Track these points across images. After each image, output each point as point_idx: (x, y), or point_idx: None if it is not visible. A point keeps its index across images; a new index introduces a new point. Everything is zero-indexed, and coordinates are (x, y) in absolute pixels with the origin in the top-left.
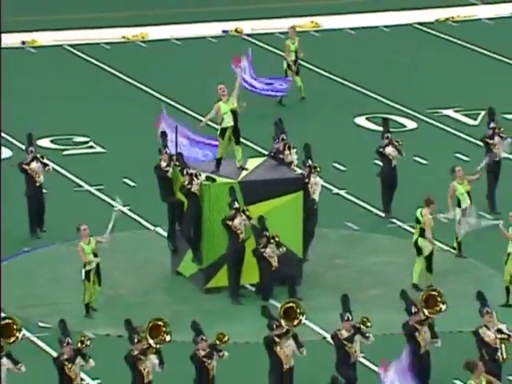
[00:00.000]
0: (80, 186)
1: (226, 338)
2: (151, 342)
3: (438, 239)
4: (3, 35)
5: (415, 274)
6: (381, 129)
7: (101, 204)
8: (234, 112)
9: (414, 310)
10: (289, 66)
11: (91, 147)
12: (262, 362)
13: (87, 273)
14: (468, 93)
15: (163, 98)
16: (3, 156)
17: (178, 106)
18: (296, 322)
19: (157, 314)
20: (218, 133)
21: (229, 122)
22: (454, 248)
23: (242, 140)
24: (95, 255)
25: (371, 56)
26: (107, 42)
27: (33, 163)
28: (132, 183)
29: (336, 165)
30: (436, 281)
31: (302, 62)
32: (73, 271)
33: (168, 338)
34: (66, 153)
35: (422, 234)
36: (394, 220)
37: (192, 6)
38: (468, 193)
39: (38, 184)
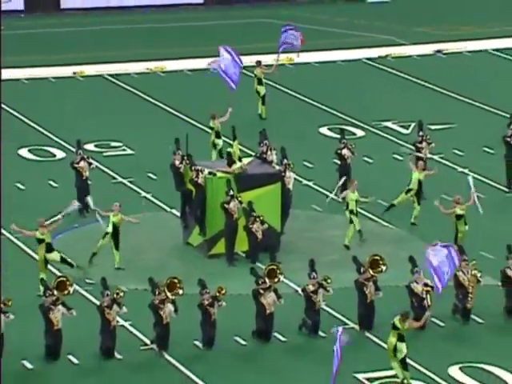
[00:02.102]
0: (115, 179)
1: (223, 291)
2: (168, 294)
3: (388, 221)
4: (59, 68)
5: (347, 238)
6: (339, 136)
7: (131, 192)
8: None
9: (362, 270)
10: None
11: (124, 150)
12: (251, 309)
13: (105, 234)
14: (402, 109)
15: (177, 114)
16: (59, 156)
17: (189, 120)
18: (276, 280)
19: (172, 273)
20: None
21: None
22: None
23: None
24: (116, 228)
25: (331, 82)
26: (135, 73)
27: (81, 162)
28: (154, 176)
29: (305, 163)
30: (378, 249)
31: (281, 87)
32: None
33: (181, 291)
34: (105, 154)
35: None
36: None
37: (199, 46)
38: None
39: (84, 178)
